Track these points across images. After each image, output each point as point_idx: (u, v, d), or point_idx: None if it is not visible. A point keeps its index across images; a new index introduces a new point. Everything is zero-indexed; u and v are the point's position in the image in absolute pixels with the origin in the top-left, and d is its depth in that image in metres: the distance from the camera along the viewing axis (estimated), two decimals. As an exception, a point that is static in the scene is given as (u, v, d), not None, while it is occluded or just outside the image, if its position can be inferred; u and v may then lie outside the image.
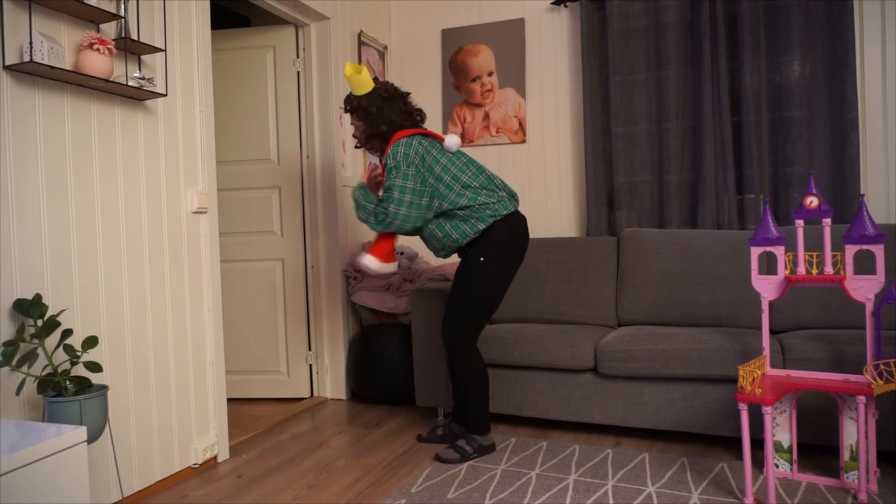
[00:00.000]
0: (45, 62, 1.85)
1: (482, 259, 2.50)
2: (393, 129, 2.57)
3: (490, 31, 3.79)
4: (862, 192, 2.79)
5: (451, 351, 2.55)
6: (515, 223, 2.55)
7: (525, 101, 3.73)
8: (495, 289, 2.55)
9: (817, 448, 2.41)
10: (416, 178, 2.45)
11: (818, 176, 3.08)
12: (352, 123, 2.68)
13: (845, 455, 2.13)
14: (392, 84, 2.64)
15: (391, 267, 2.65)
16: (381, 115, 2.55)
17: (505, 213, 2.52)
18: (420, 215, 2.47)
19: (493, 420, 3.01)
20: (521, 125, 3.74)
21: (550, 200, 3.69)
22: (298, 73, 3.46)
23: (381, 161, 2.64)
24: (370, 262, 2.60)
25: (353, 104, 2.61)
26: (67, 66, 1.97)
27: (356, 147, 2.74)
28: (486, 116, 3.81)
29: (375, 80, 2.62)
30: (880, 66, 3.05)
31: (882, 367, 2.01)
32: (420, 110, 2.66)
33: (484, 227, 2.49)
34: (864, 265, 2.68)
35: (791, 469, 2.23)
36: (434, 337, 2.98)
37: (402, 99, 2.61)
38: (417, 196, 2.45)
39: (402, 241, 3.98)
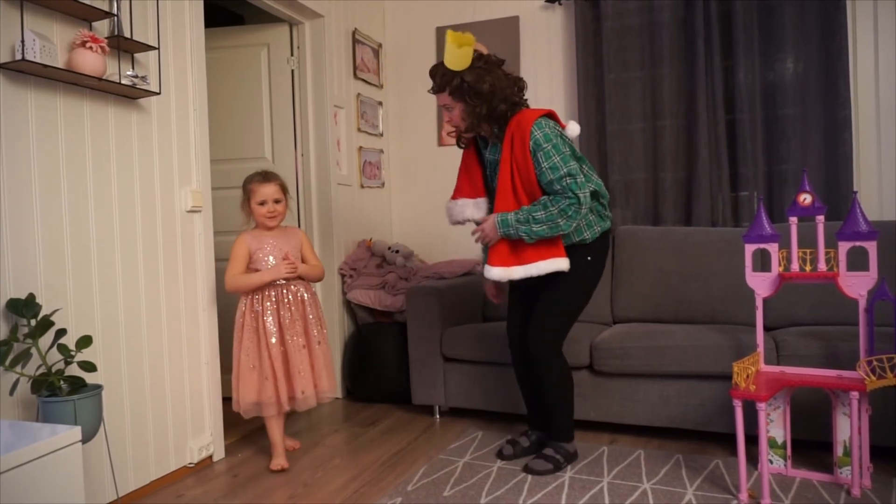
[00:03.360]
0: (38, 60, 1.84)
1: (590, 258, 2.32)
2: (512, 109, 2.23)
3: (484, 29, 3.79)
4: (855, 190, 2.80)
5: (547, 361, 2.32)
6: (609, 235, 2.42)
7: (520, 99, 3.73)
8: (591, 294, 2.38)
9: (811, 444, 2.42)
10: (573, 158, 2.18)
11: (812, 173, 3.09)
12: (442, 105, 2.28)
13: (839, 451, 2.14)
14: (484, 52, 2.26)
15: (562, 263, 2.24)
16: (495, 91, 2.19)
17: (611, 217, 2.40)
18: None
19: (489, 418, 3.01)
20: (516, 123, 3.73)
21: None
22: (293, 71, 3.45)
23: (485, 146, 2.39)
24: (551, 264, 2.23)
25: (455, 83, 2.19)
26: (60, 64, 1.96)
27: (460, 133, 2.32)
28: (481, 114, 3.80)
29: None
30: (873, 64, 3.06)
31: (875, 363, 2.02)
32: (520, 78, 2.31)
33: (601, 230, 2.32)
34: (858, 262, 2.69)
35: (785, 465, 2.24)
36: (429, 335, 2.98)
37: (500, 66, 2.26)
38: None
39: (398, 239, 3.98)
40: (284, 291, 2.51)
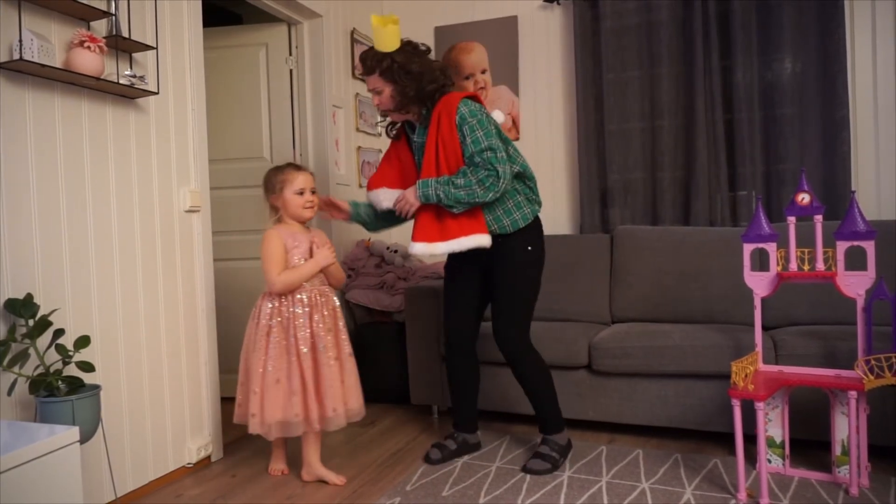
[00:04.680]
0: (36, 60, 1.83)
1: (530, 248, 2.35)
2: (439, 90, 2.29)
3: (483, 28, 3.79)
4: (853, 189, 2.81)
5: (521, 358, 2.36)
6: (539, 221, 2.44)
7: (518, 99, 3.73)
8: (540, 280, 2.41)
9: (809, 443, 2.43)
10: (498, 137, 2.24)
11: (810, 173, 3.09)
12: (372, 89, 2.33)
13: (837, 450, 2.14)
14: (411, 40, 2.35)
15: (482, 239, 2.26)
16: (423, 72, 2.26)
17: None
18: None
19: (487, 418, 3.01)
20: (515, 123, 3.74)
21: (544, 198, 3.68)
22: (291, 70, 3.44)
23: (412, 132, 2.41)
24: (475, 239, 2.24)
25: (385, 64, 2.25)
26: (58, 64, 1.95)
27: (383, 115, 2.42)
28: (480, 114, 3.80)
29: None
30: (871, 63, 3.07)
31: (873, 362, 2.02)
32: (447, 66, 2.42)
33: (532, 213, 2.34)
34: (856, 261, 2.69)
35: (783, 464, 2.24)
36: (428, 335, 2.98)
37: (427, 54, 2.34)
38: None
39: (397, 239, 3.97)
40: (318, 297, 2.26)
